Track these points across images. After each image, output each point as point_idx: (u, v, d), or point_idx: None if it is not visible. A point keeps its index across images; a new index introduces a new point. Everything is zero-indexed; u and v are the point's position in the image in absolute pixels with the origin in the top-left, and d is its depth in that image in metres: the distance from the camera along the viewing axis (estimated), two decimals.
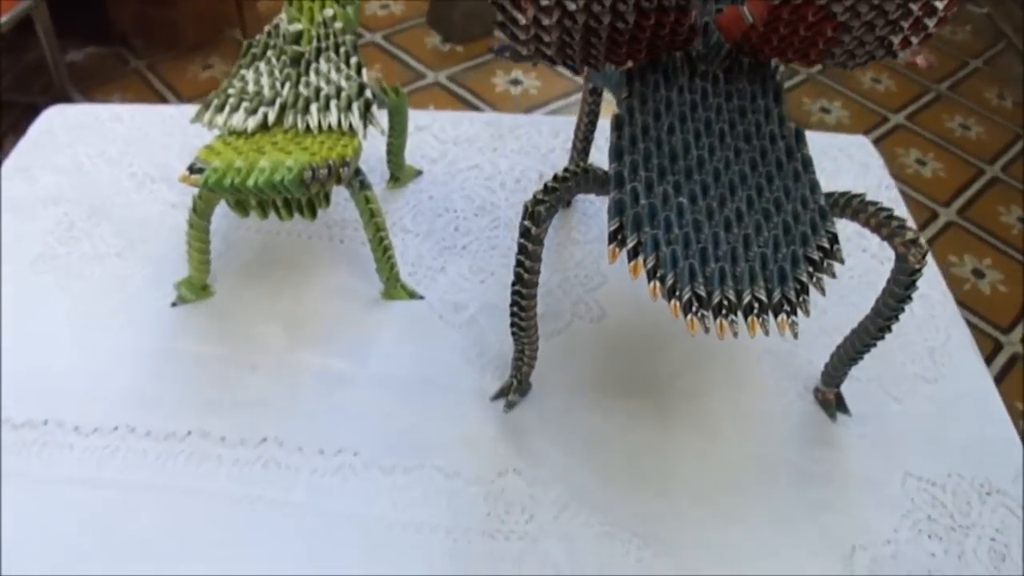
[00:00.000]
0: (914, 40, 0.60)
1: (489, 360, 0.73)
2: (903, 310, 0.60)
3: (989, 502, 0.65)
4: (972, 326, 1.66)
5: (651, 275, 0.50)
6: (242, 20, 2.35)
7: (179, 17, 2.35)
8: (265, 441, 0.68)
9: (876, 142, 1.72)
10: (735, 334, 0.48)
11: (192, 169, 0.65)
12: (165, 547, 0.61)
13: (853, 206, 0.59)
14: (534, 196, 0.56)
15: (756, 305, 0.49)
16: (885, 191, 0.94)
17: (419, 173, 0.92)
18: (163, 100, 2.27)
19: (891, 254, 0.79)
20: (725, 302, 0.49)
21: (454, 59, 2.35)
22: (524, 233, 0.57)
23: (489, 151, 0.95)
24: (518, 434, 0.68)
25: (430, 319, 0.77)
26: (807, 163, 0.59)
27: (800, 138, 0.60)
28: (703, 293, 0.49)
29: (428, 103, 2.20)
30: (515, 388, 0.70)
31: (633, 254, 0.51)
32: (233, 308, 0.78)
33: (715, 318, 0.49)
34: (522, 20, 0.55)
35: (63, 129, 0.98)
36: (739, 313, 0.49)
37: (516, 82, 2.25)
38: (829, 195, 0.59)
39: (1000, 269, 1.82)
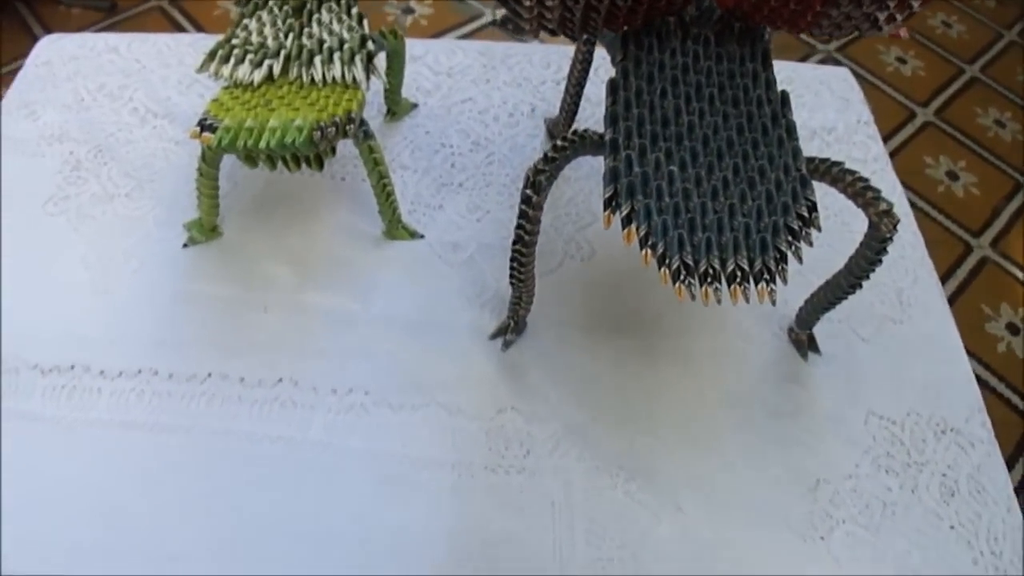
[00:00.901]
0: (899, 17, 0.63)
1: (487, 299, 0.80)
2: (873, 271, 0.66)
3: (943, 440, 0.74)
4: (944, 229, 1.74)
5: (643, 243, 0.56)
6: None
7: None
8: (281, 381, 0.75)
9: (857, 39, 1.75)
10: (719, 301, 0.55)
11: (203, 126, 0.70)
12: (194, 484, 0.69)
13: (832, 173, 0.64)
14: (535, 166, 0.62)
15: (739, 274, 0.55)
16: (863, 127, 0.99)
17: (415, 106, 0.97)
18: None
19: None
20: (710, 271, 0.55)
21: None
22: (525, 200, 0.63)
23: (482, 83, 1.00)
24: (515, 372, 0.76)
25: (430, 259, 0.83)
26: (791, 129, 0.64)
27: (786, 103, 0.66)
28: (690, 262, 0.55)
29: None
30: (512, 328, 0.77)
31: (627, 221, 0.57)
32: (242, 248, 0.84)
33: (701, 286, 0.55)
34: (526, 2, 0.60)
35: (61, 61, 1.02)
36: (723, 281, 0.55)
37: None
38: (810, 160, 0.65)
39: (974, 172, 1.88)
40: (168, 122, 0.95)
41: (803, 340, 0.79)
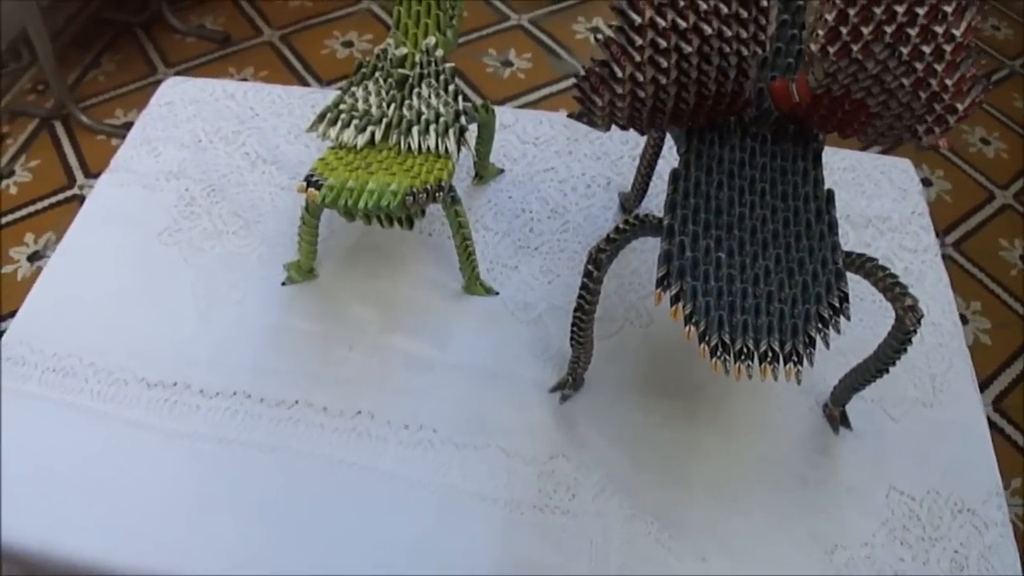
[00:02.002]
0: (937, 130, 0.72)
1: (551, 356, 0.91)
2: (899, 359, 0.76)
3: (959, 519, 0.82)
4: (1014, 312, 1.81)
5: (687, 320, 0.66)
6: None
7: None
8: (360, 414, 0.87)
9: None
10: (750, 377, 0.64)
11: (309, 182, 0.83)
12: (274, 497, 0.81)
13: (866, 268, 0.74)
14: (598, 245, 0.73)
15: (770, 354, 0.64)
16: (917, 218, 1.08)
17: (501, 172, 1.10)
18: (254, 25, 2.45)
19: (914, 283, 0.96)
20: (744, 349, 0.64)
21: (538, 2, 2.49)
22: (587, 274, 0.74)
23: (565, 154, 1.12)
24: (569, 423, 0.86)
25: (503, 315, 0.95)
26: (832, 225, 0.73)
27: (830, 201, 0.75)
28: (727, 340, 0.65)
29: (509, 45, 2.35)
30: (570, 384, 0.88)
31: (675, 299, 0.67)
32: (335, 290, 0.97)
33: (735, 362, 0.64)
34: (599, 102, 0.72)
35: (183, 103, 1.17)
36: (755, 360, 0.65)
37: (598, 29, 2.38)
38: (848, 254, 0.74)
39: None
40: (276, 168, 1.08)
41: (836, 416, 0.88)
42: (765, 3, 0.66)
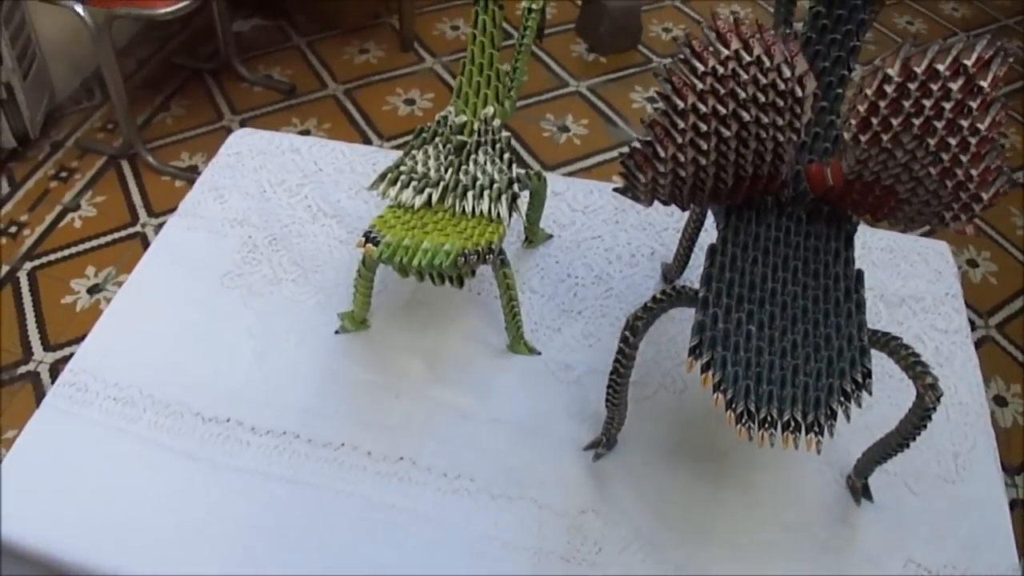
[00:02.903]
0: (963, 217, 0.76)
1: (588, 415, 0.97)
2: (919, 435, 0.80)
3: None
4: None
5: (716, 387, 0.71)
6: (400, 8, 2.63)
7: (341, 0, 2.65)
8: (402, 459, 0.93)
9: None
10: (772, 444, 0.70)
11: (368, 238, 0.90)
12: (316, 533, 0.87)
13: (890, 346, 0.79)
14: (635, 312, 0.80)
15: (792, 424, 0.70)
16: (951, 299, 1.12)
17: (550, 237, 1.16)
18: (319, 78, 2.57)
19: (943, 363, 1.00)
20: (769, 418, 0.70)
21: (597, 69, 2.59)
22: (623, 340, 0.80)
23: (612, 223, 1.19)
24: (601, 480, 0.92)
25: (544, 374, 1.01)
26: (860, 305, 0.79)
27: (860, 281, 0.80)
28: (753, 409, 0.70)
29: (567, 111, 2.44)
30: (604, 443, 0.94)
31: (705, 368, 0.72)
32: (385, 341, 1.04)
33: (759, 430, 0.70)
34: (643, 179, 0.78)
35: (250, 154, 1.26)
36: (778, 428, 0.70)
37: (653, 99, 2.47)
38: (873, 332, 0.79)
39: None
40: (336, 222, 1.16)
41: (858, 487, 0.92)
42: (800, 94, 0.72)
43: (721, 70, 0.71)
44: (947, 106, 0.69)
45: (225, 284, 1.10)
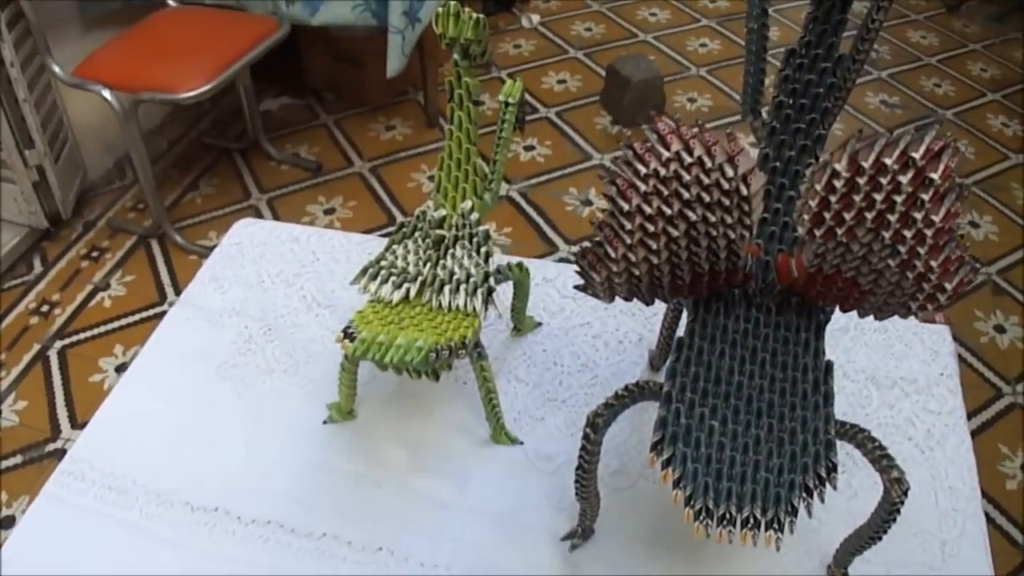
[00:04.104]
0: (929, 307, 0.77)
1: (566, 506, 0.99)
2: (887, 529, 0.80)
3: None
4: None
5: (675, 484, 0.72)
6: (425, 85, 2.71)
7: (367, 78, 2.75)
8: (380, 550, 0.96)
9: None
10: (730, 541, 0.70)
11: (346, 333, 0.94)
12: None
13: (857, 439, 0.80)
14: (595, 410, 0.82)
15: (752, 521, 0.70)
16: (945, 379, 1.12)
17: (538, 325, 1.19)
18: (346, 155, 2.65)
19: (934, 446, 1.00)
20: (727, 515, 0.71)
21: (621, 142, 2.63)
22: (585, 437, 0.82)
23: (600, 308, 1.21)
24: (576, 570, 0.93)
25: (524, 464, 1.03)
26: (828, 396, 0.79)
27: (829, 372, 0.81)
28: (711, 506, 0.71)
29: (590, 184, 2.48)
30: (580, 534, 0.95)
31: (665, 464, 0.73)
32: (370, 431, 1.07)
33: (717, 527, 0.70)
34: (597, 279, 0.81)
35: (251, 244, 1.31)
36: (737, 525, 0.70)
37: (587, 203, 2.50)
38: (841, 425, 0.80)
39: None
40: (329, 312, 1.20)
41: None
42: (746, 192, 0.74)
43: (663, 171, 0.73)
44: (899, 199, 0.70)
45: (220, 375, 1.14)
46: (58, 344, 2.16)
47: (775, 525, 0.70)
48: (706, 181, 0.73)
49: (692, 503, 0.71)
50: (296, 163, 2.61)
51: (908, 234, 0.71)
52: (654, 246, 0.77)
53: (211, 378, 1.14)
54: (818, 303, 0.85)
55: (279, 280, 1.25)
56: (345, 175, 2.59)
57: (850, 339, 1.18)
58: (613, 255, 0.78)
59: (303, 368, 1.14)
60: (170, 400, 1.11)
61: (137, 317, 2.21)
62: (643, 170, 0.73)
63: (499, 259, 1.16)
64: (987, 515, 1.69)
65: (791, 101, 0.91)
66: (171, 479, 1.03)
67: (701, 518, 0.70)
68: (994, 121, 2.82)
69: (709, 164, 0.73)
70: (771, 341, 0.82)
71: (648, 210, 0.74)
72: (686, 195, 0.74)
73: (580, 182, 2.49)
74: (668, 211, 0.75)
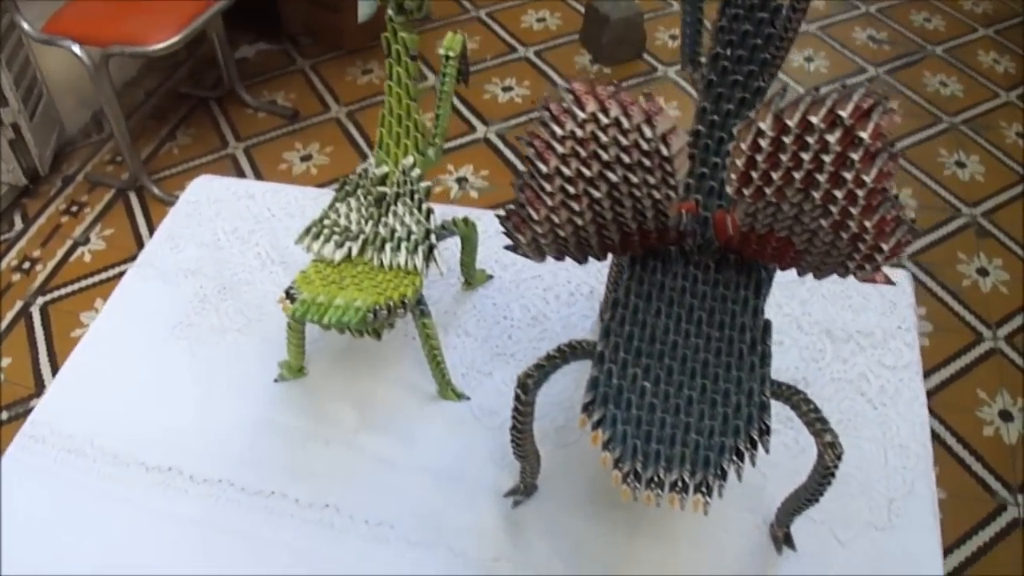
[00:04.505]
0: (867, 267, 0.75)
1: (510, 462, 0.99)
2: (823, 492, 0.80)
3: None
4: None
5: (604, 446, 0.72)
6: None
7: (344, 22, 2.72)
8: (327, 507, 0.98)
9: None
10: (658, 504, 0.70)
11: (288, 294, 0.94)
12: None
13: (793, 401, 0.80)
14: (526, 370, 0.82)
15: (680, 484, 0.70)
16: (902, 333, 1.11)
17: (490, 278, 1.20)
18: (323, 100, 2.64)
19: (887, 402, 1.02)
20: (655, 478, 0.70)
21: (600, 81, 2.60)
22: (516, 398, 0.83)
23: (552, 262, 1.21)
24: (517, 527, 0.95)
25: (470, 420, 1.04)
26: (765, 357, 0.78)
27: (767, 332, 0.80)
28: (640, 469, 0.70)
29: None
30: (522, 491, 0.96)
31: (596, 425, 0.73)
32: (320, 389, 1.08)
33: (645, 490, 0.70)
34: (523, 240, 0.81)
35: (208, 202, 1.31)
36: (665, 488, 0.70)
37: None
38: (777, 385, 0.79)
39: None
40: (282, 269, 1.21)
41: (779, 536, 0.93)
42: (667, 152, 0.73)
43: (580, 133, 0.73)
44: (827, 159, 0.68)
45: (175, 335, 1.15)
46: (40, 300, 2.18)
47: (703, 488, 0.70)
48: (624, 142, 0.73)
49: (621, 465, 0.71)
50: (272, 110, 2.60)
51: (839, 194, 0.70)
52: (577, 207, 0.76)
53: (167, 338, 1.15)
54: (757, 261, 0.84)
55: (234, 238, 1.26)
56: (322, 121, 2.57)
57: (807, 290, 1.18)
58: (536, 217, 0.78)
59: (256, 326, 1.15)
60: (127, 362, 1.13)
61: (117, 271, 2.22)
62: (560, 132, 0.73)
63: (449, 212, 1.17)
64: (962, 461, 1.73)
65: (728, 52, 0.89)
66: (127, 440, 1.05)
67: (629, 481, 0.70)
68: (985, 57, 2.78)
69: (626, 125, 0.72)
70: (709, 299, 0.81)
71: (567, 172, 0.74)
72: (605, 156, 0.73)
73: None
74: (588, 173, 0.74)
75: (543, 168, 0.75)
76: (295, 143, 2.50)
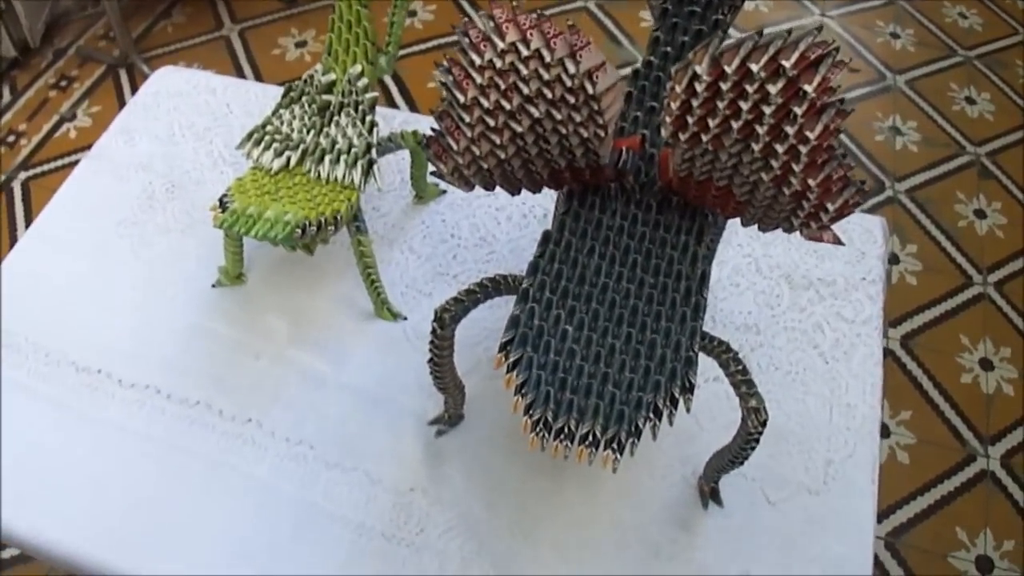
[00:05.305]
0: (812, 225, 0.71)
1: None
2: (746, 456, 0.78)
3: None
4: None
5: (517, 390, 0.68)
6: None
7: None
8: (250, 421, 0.96)
9: None
10: (566, 457, 0.67)
11: (222, 202, 0.92)
12: (159, 494, 0.92)
13: (721, 359, 0.76)
14: (444, 304, 0.79)
15: (591, 438, 0.66)
16: (866, 285, 1.06)
17: (443, 193, 1.16)
18: None
19: (840, 357, 0.99)
20: (565, 429, 0.67)
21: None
22: (433, 332, 0.80)
23: None
24: (438, 459, 0.94)
25: (402, 342, 1.02)
26: (698, 308, 0.74)
27: (703, 282, 0.75)
28: (550, 418, 0.67)
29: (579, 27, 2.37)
30: (446, 420, 0.95)
31: (511, 367, 0.69)
32: (257, 298, 1.06)
33: (553, 440, 0.67)
34: (444, 169, 0.77)
35: (167, 94, 1.27)
36: (575, 441, 0.66)
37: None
38: (709, 339, 0.76)
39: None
40: (233, 171, 1.18)
41: (706, 491, 0.90)
42: (592, 91, 0.69)
43: (499, 63, 0.68)
44: (768, 110, 0.63)
45: (119, 233, 1.12)
46: (22, 175, 2.15)
47: (614, 445, 0.66)
48: (546, 76, 0.68)
49: (531, 412, 0.67)
50: None
51: (780, 148, 0.65)
52: (498, 140, 0.72)
53: (110, 235, 1.12)
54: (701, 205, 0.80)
55: (190, 134, 1.22)
56: (319, 7, 2.48)
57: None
58: (456, 147, 0.74)
59: (200, 228, 1.12)
60: (69, 257, 1.11)
61: None
62: (478, 60, 0.69)
63: (396, 124, 1.13)
64: (936, 407, 1.70)
65: (676, 8, 0.84)
66: (61, 338, 1.04)
67: (538, 430, 0.67)
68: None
69: (548, 58, 0.67)
70: (647, 241, 0.77)
71: (486, 103, 0.70)
72: (526, 90, 0.69)
73: (559, 24, 2.36)
74: (508, 106, 0.70)
75: (460, 98, 0.70)
76: (291, 28, 2.43)
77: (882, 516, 1.61)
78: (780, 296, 1.07)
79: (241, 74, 2.32)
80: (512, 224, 1.13)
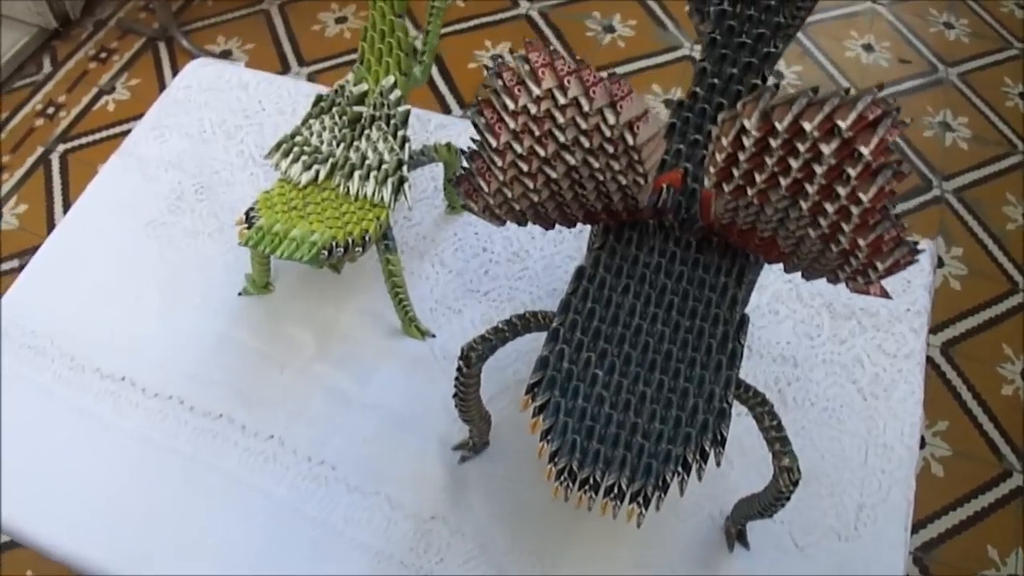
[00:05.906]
0: (860, 280, 0.67)
1: None
2: (776, 511, 0.75)
3: None
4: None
5: (543, 436, 0.65)
6: None
7: None
8: (272, 438, 0.95)
9: None
10: (590, 509, 0.64)
11: (248, 216, 0.89)
12: (177, 505, 0.90)
13: (756, 412, 0.73)
14: (471, 343, 0.76)
15: (615, 491, 0.63)
16: (911, 316, 1.02)
17: None
18: None
19: (879, 394, 0.95)
20: (591, 480, 0.63)
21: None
22: (459, 369, 0.78)
23: None
24: (460, 486, 0.92)
25: (430, 362, 1.00)
26: (735, 356, 0.70)
27: (741, 328, 0.71)
28: (575, 467, 0.64)
29: (615, 10, 2.32)
30: (470, 447, 0.93)
31: (537, 411, 0.66)
32: (283, 309, 1.04)
33: (578, 491, 0.63)
34: (475, 208, 0.74)
35: (199, 88, 1.25)
36: (600, 493, 0.63)
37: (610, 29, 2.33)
38: (744, 389, 0.73)
39: None
40: (263, 172, 1.15)
41: (732, 533, 0.88)
42: (632, 142, 0.65)
43: (534, 109, 0.65)
44: (819, 170, 0.59)
45: (147, 234, 1.11)
46: (60, 148, 2.14)
47: (640, 499, 0.63)
48: (584, 125, 0.64)
49: (556, 460, 0.64)
50: None
51: (830, 208, 0.61)
52: (531, 185, 0.69)
53: (138, 237, 1.11)
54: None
55: (220, 132, 1.20)
56: None
57: None
58: (487, 189, 0.71)
59: (228, 233, 1.10)
60: (96, 259, 1.09)
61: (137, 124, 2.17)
62: (511, 105, 0.65)
63: (432, 127, 1.10)
64: (974, 418, 1.65)
65: (736, 10, 0.80)
66: (86, 343, 1.02)
67: (562, 479, 0.64)
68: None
69: (587, 108, 0.64)
70: (684, 281, 0.72)
71: (519, 149, 0.67)
72: (562, 138, 0.65)
73: (604, 7, 2.30)
74: (543, 152, 0.67)
75: (493, 142, 0.67)
76: (331, 3, 2.39)
77: (912, 530, 1.57)
78: (820, 326, 1.03)
79: (280, 50, 2.30)
80: (547, 239, 1.10)
